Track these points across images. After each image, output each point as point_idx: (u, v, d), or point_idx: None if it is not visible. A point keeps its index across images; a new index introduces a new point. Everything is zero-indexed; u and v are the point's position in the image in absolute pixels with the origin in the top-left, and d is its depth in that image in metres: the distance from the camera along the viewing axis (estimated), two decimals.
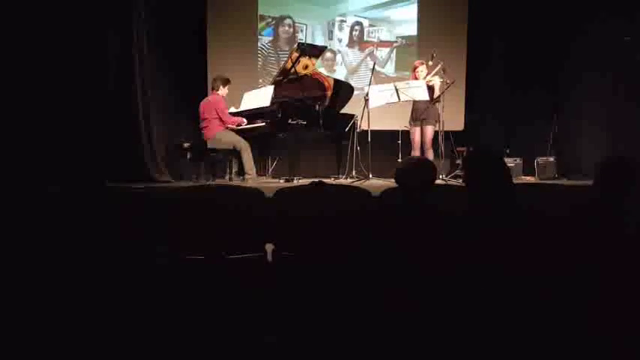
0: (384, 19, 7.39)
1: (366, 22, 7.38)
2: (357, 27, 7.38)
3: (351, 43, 7.40)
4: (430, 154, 5.58)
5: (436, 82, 5.54)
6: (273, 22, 7.30)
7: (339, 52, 7.39)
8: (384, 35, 7.41)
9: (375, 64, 5.85)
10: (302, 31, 7.30)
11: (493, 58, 7.28)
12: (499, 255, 1.99)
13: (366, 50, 7.41)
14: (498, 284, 1.96)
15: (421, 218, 2.22)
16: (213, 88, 5.63)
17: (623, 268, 1.96)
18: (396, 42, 7.41)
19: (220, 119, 5.41)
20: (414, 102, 5.59)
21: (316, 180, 2.82)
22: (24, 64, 4.39)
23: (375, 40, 7.40)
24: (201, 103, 5.57)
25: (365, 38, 7.41)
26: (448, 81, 5.53)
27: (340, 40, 7.39)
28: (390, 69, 7.44)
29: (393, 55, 7.44)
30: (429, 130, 5.59)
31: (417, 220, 2.21)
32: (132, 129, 5.23)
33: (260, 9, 7.25)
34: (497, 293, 1.95)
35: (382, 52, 7.43)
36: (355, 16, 7.37)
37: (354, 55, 7.42)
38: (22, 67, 4.38)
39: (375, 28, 7.39)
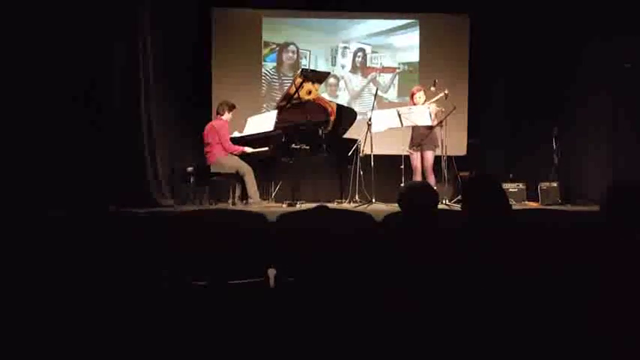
0: (386, 45, 7.48)
1: (368, 49, 7.47)
2: (359, 53, 7.47)
3: (353, 69, 7.49)
4: (432, 180, 5.58)
5: (432, 109, 5.57)
6: (277, 48, 7.40)
7: (342, 77, 7.46)
8: (387, 61, 7.50)
9: (377, 89, 5.90)
10: (305, 57, 7.39)
11: (495, 82, 7.33)
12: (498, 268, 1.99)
13: (369, 76, 7.49)
14: (499, 299, 1.95)
15: (423, 242, 2.21)
16: (218, 112, 5.69)
17: (625, 277, 1.94)
18: (399, 68, 7.49)
19: (222, 145, 5.46)
20: (413, 127, 5.62)
21: (319, 204, 2.83)
22: (32, 88, 4.45)
23: (378, 66, 7.48)
24: (206, 127, 5.62)
25: (368, 64, 7.49)
26: (443, 109, 5.56)
27: (343, 67, 7.47)
28: (392, 94, 7.50)
29: (396, 81, 7.51)
30: (429, 155, 5.60)
31: (419, 244, 2.20)
32: (136, 153, 5.26)
33: (264, 35, 7.36)
34: (497, 306, 1.94)
35: (385, 78, 7.51)
36: (358, 42, 7.47)
37: (357, 81, 7.50)
38: (30, 90, 4.44)
39: (377, 54, 7.48)
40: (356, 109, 6.47)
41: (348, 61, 7.46)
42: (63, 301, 2.23)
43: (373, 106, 5.79)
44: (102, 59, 5.01)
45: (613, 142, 5.80)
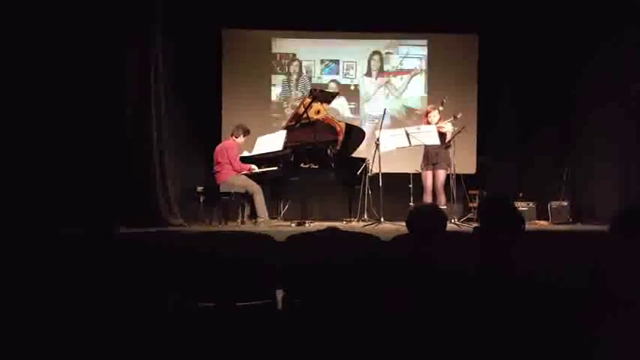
0: (399, 52, 7.53)
1: (383, 52, 7.51)
2: (375, 56, 7.51)
3: (368, 73, 7.52)
4: (442, 199, 5.57)
5: (448, 128, 5.58)
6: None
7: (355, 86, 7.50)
8: (401, 65, 7.52)
9: (385, 110, 5.93)
10: (312, 70, 7.46)
11: (504, 101, 7.33)
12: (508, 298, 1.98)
13: (383, 79, 7.51)
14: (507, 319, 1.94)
15: (432, 266, 2.20)
16: (232, 134, 5.77)
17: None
18: (413, 70, 7.51)
19: (231, 164, 5.51)
20: (426, 146, 5.62)
21: (329, 226, 2.83)
22: (42, 107, 4.53)
23: (392, 69, 7.52)
24: (217, 147, 5.68)
25: (383, 68, 7.52)
26: (456, 128, 5.57)
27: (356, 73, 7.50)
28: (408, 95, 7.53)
29: (410, 85, 7.53)
30: (441, 175, 5.59)
31: (427, 268, 2.20)
32: (146, 173, 5.30)
33: (274, 48, 7.44)
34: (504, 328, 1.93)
35: (398, 82, 7.52)
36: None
37: (370, 85, 7.53)
38: (40, 110, 4.52)
39: (393, 55, 7.51)
40: (367, 110, 6.41)
41: (363, 66, 7.51)
42: (70, 323, 2.25)
43: (381, 126, 5.81)
44: (114, 80, 5.09)
45: (625, 161, 5.75)
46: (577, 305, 2.01)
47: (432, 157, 5.61)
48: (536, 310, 1.96)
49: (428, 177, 5.64)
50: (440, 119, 5.64)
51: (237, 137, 5.70)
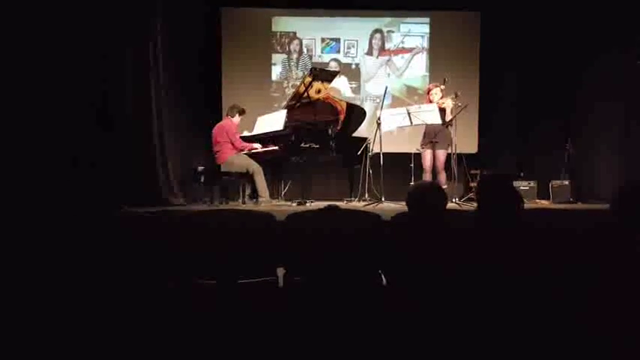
0: (401, 30, 7.46)
1: (385, 30, 7.44)
2: (377, 35, 7.45)
3: (369, 51, 7.46)
4: (442, 177, 5.55)
5: (448, 104, 5.54)
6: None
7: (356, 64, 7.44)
8: (402, 43, 7.47)
9: (386, 89, 5.88)
10: (312, 48, 7.40)
11: (507, 79, 7.29)
12: (506, 271, 1.99)
13: (384, 58, 7.46)
14: (505, 297, 1.95)
15: (431, 243, 2.21)
16: (227, 114, 5.74)
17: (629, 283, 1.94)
18: (415, 48, 7.45)
19: (232, 144, 5.49)
20: (427, 125, 5.58)
21: (329, 204, 2.83)
22: (46, 93, 4.49)
23: (393, 47, 7.45)
24: (215, 127, 5.65)
25: (385, 47, 7.46)
26: (460, 104, 5.53)
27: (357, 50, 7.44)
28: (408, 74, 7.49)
29: (412, 63, 7.47)
30: (441, 154, 5.56)
31: (427, 244, 2.20)
32: (147, 153, 5.30)
33: (274, 26, 7.37)
34: (503, 306, 1.95)
35: (400, 60, 7.47)
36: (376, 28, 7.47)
37: (371, 63, 7.47)
38: (44, 95, 4.48)
39: (395, 33, 7.45)
40: (369, 89, 6.36)
41: (365, 44, 7.45)
42: (73, 302, 2.26)
43: (382, 105, 5.78)
44: (114, 62, 5.06)
45: (626, 140, 5.73)
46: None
47: (432, 136, 5.58)
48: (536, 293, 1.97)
49: (427, 156, 5.61)
50: (442, 97, 5.61)
51: (232, 117, 5.67)
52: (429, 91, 5.71)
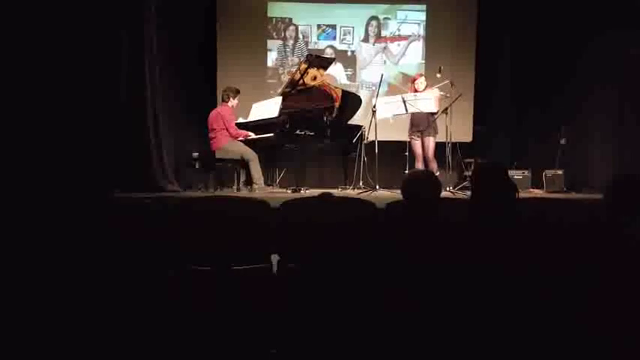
0: (397, 17, 7.42)
1: (382, 17, 7.40)
2: (373, 22, 7.40)
3: (365, 39, 7.42)
4: (434, 166, 5.58)
5: (435, 93, 5.57)
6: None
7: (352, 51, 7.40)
8: (399, 31, 7.41)
9: (382, 77, 5.85)
10: (308, 35, 7.34)
11: (502, 68, 7.28)
12: (500, 260, 2.00)
13: (380, 45, 7.42)
14: (498, 287, 1.97)
15: (425, 232, 2.22)
16: (223, 99, 5.70)
17: (625, 275, 1.95)
18: (411, 36, 7.41)
19: (228, 130, 5.47)
20: (412, 114, 5.60)
21: (323, 192, 2.84)
22: (38, 75, 4.45)
23: (389, 35, 7.40)
24: (210, 114, 5.63)
25: (381, 34, 7.41)
26: (448, 95, 5.55)
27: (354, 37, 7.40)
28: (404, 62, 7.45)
29: (408, 51, 7.44)
30: (431, 142, 5.60)
31: (421, 233, 2.21)
32: (141, 139, 5.26)
33: (269, 12, 7.30)
34: (497, 296, 1.96)
35: (396, 48, 7.43)
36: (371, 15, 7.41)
37: (367, 51, 7.43)
38: (36, 78, 4.44)
39: (391, 21, 7.40)
40: (364, 77, 6.33)
41: (361, 31, 7.39)
42: (66, 289, 2.26)
43: (378, 93, 5.77)
44: (108, 43, 5.00)
45: (619, 130, 5.75)
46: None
47: (418, 124, 5.62)
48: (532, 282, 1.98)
49: (417, 145, 5.68)
50: (427, 87, 5.64)
51: (228, 101, 5.63)
52: (413, 80, 5.75)
